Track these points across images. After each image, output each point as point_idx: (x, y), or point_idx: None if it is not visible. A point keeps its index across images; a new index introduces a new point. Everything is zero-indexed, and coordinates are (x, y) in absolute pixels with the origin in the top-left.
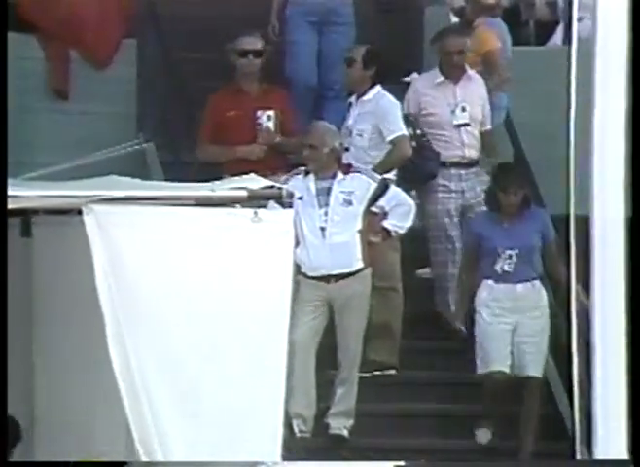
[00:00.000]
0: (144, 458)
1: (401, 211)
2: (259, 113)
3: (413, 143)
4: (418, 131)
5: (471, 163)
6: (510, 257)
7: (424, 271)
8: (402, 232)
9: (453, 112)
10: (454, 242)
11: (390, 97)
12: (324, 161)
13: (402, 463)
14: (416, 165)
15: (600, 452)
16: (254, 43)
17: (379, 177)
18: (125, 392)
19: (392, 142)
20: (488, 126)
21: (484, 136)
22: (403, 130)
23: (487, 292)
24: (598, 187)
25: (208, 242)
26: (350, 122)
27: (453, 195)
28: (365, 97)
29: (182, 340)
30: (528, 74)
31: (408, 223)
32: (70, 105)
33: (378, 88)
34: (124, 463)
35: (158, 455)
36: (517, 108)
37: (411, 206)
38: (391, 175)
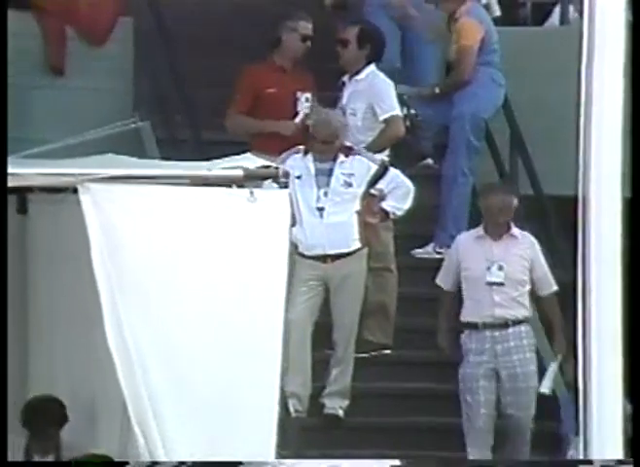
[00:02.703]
0: (140, 436)
1: (399, 193)
2: (299, 94)
3: (407, 123)
4: (412, 111)
5: (506, 325)
6: None
7: (419, 251)
8: (400, 213)
9: (489, 269)
10: (482, 407)
11: (384, 77)
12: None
13: (397, 463)
14: (409, 145)
15: (596, 452)
16: (310, 29)
17: (379, 159)
18: (121, 369)
19: (385, 121)
20: (548, 290)
21: (544, 301)
22: (396, 110)
23: None
24: (595, 167)
25: (204, 222)
26: (344, 101)
27: (485, 358)
28: (358, 76)
29: (178, 319)
30: (525, 54)
31: (407, 205)
32: (66, 82)
33: (372, 67)
34: (126, 463)
35: (153, 431)
36: (514, 88)
37: (410, 188)
38: (384, 155)
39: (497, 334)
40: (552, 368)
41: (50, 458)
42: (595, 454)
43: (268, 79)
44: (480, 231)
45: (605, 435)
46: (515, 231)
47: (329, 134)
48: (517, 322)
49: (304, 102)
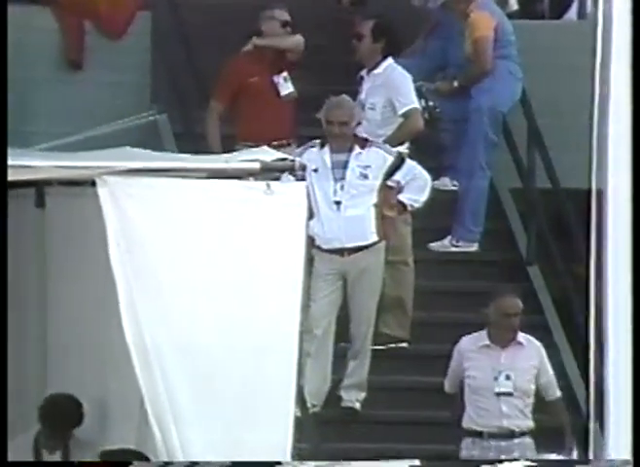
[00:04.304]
0: (157, 434)
1: (416, 185)
2: (275, 79)
3: (425, 115)
4: (430, 103)
5: (512, 435)
6: None
7: (436, 245)
8: (417, 206)
9: (496, 379)
10: None
11: (401, 70)
12: (349, 137)
13: (417, 463)
14: (428, 138)
15: (610, 453)
16: (287, 15)
17: (395, 151)
18: (139, 364)
19: (404, 115)
20: (553, 396)
21: (551, 406)
22: (415, 103)
23: None
24: (612, 160)
25: (221, 214)
26: (362, 95)
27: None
28: (376, 70)
29: (194, 311)
30: (543, 48)
31: (424, 197)
32: (85, 76)
33: (389, 60)
34: (129, 463)
35: (172, 431)
36: (532, 81)
37: (427, 180)
38: (404, 148)
39: (503, 444)
40: None
41: (57, 456)
42: (612, 454)
43: (248, 68)
44: (484, 339)
45: (619, 435)
46: (521, 337)
47: (342, 114)
48: (523, 433)
49: (284, 82)
